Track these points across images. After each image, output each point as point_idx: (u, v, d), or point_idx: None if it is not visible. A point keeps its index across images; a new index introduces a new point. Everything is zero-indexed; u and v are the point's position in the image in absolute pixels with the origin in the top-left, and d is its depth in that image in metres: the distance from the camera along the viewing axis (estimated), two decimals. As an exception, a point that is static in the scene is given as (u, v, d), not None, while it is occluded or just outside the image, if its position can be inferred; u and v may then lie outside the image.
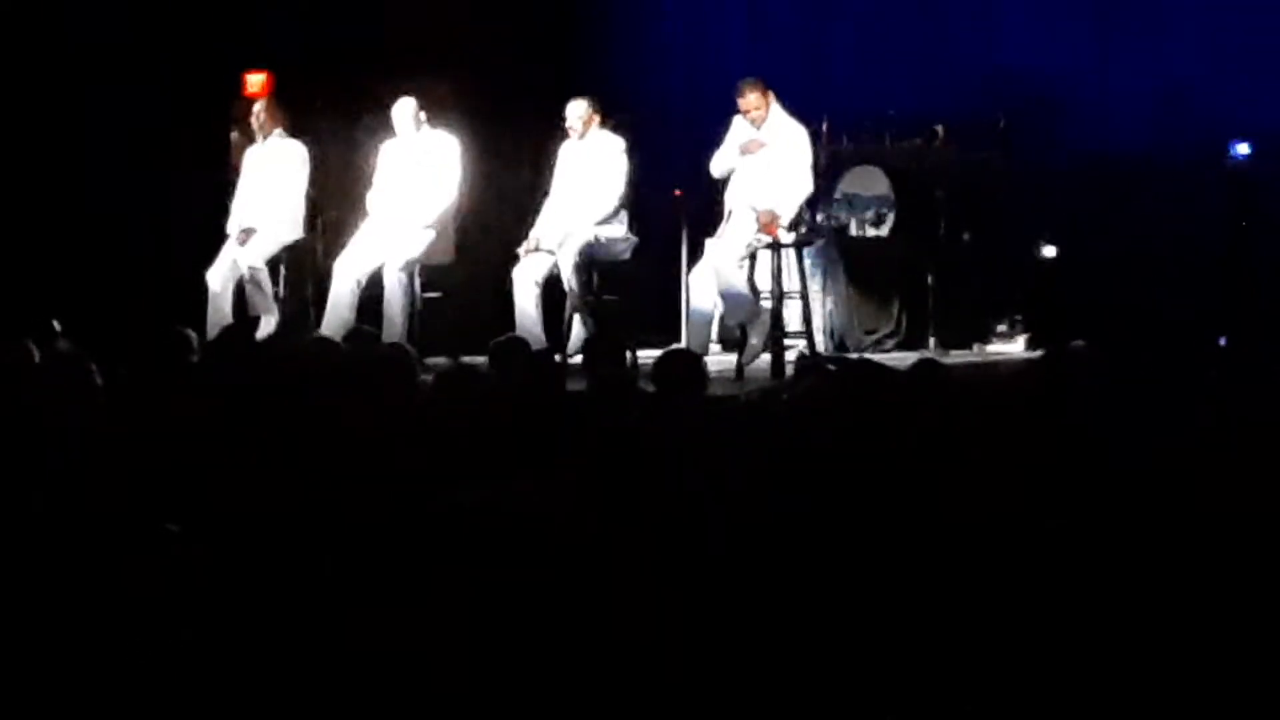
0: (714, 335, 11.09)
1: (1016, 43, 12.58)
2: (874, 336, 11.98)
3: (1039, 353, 9.10)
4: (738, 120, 10.71)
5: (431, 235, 10.98)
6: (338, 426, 6.20)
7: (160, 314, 9.85)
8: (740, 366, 10.37)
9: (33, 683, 4.25)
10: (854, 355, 10.34)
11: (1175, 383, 6.92)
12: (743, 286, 10.51)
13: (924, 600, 4.61)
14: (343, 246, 11.09)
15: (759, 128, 10.60)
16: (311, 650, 4.37)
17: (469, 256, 11.36)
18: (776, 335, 10.34)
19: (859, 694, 4.34)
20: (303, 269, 11.44)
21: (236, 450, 5.88)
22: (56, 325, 8.59)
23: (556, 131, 11.06)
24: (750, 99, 10.58)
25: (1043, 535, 4.81)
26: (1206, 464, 5.27)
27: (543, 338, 10.41)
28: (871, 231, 12.30)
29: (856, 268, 12.05)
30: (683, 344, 10.35)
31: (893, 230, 12.25)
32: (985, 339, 12.08)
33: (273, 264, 11.25)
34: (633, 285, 10.85)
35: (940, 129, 12.31)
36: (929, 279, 12.11)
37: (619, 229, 10.78)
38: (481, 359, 7.96)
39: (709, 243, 10.75)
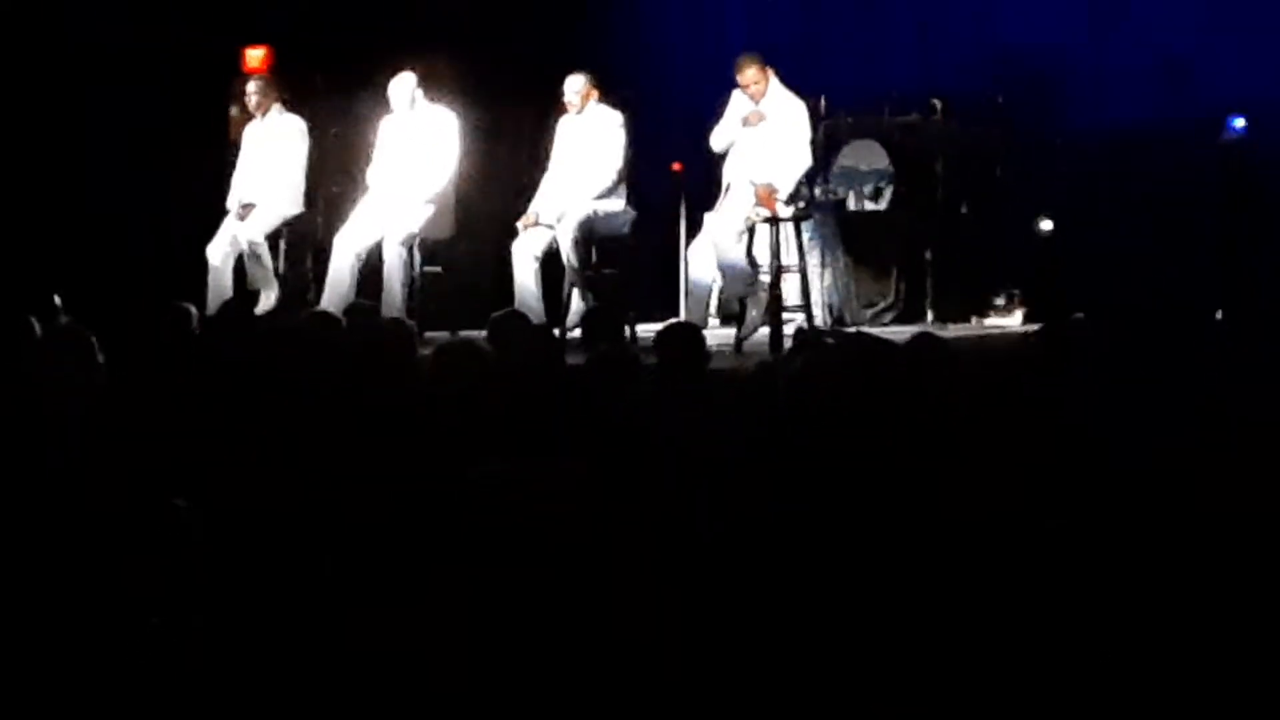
0: (713, 309, 11.10)
1: (1014, 18, 12.56)
2: (872, 310, 12.00)
3: (1036, 326, 9.11)
4: (737, 94, 10.72)
5: (430, 210, 10.99)
6: (338, 402, 6.22)
7: (160, 289, 9.86)
8: (739, 340, 10.39)
9: (34, 675, 4.26)
10: (852, 329, 10.35)
11: (1172, 359, 6.93)
12: (741, 260, 10.52)
13: (922, 590, 4.62)
14: (342, 221, 11.10)
15: (758, 103, 10.61)
16: (311, 650, 4.39)
17: (468, 231, 11.37)
18: (775, 309, 10.34)
19: (855, 688, 4.36)
20: (303, 244, 11.45)
21: (237, 427, 5.89)
22: (57, 300, 8.59)
23: (555, 106, 11.07)
24: (749, 74, 10.59)
25: (1041, 531, 4.83)
26: (1206, 464, 5.27)
27: (542, 312, 10.42)
28: (870, 206, 12.31)
29: (855, 242, 12.07)
30: (681, 318, 10.36)
31: (891, 204, 12.26)
32: (983, 313, 12.08)
33: (273, 239, 11.26)
34: (632, 259, 10.86)
35: (938, 103, 12.31)
36: (927, 253, 12.12)
37: (618, 203, 10.79)
38: (481, 333, 7.97)
39: (708, 217, 10.76)
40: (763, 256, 10.51)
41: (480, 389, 6.16)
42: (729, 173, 10.70)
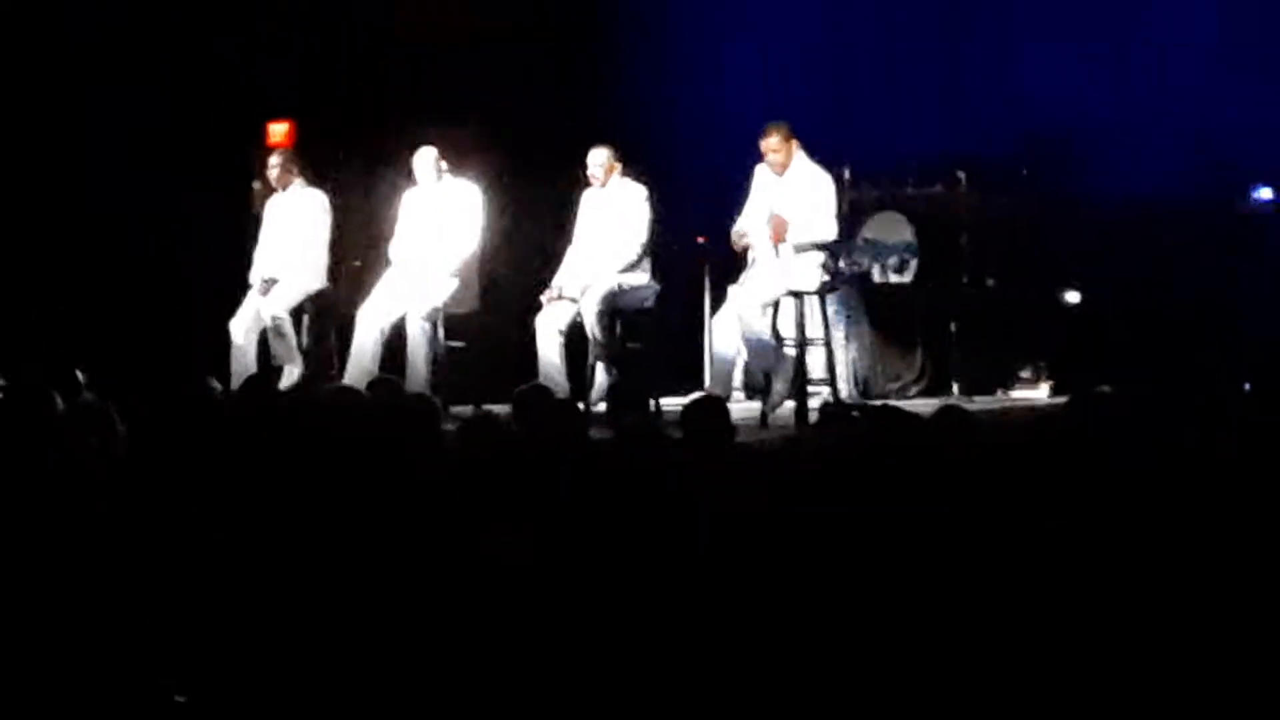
0: (737, 383, 11.06)
1: (1039, 86, 12.55)
2: (898, 383, 11.96)
3: (1063, 399, 9.05)
4: (760, 170, 10.71)
5: (454, 284, 10.99)
6: (362, 477, 6.19)
7: (183, 365, 9.86)
8: (764, 414, 10.35)
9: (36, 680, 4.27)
10: (878, 402, 10.30)
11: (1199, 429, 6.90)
12: (766, 333, 10.50)
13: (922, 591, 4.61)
14: (365, 296, 11.10)
15: (780, 173, 10.60)
16: (311, 650, 4.38)
17: (491, 305, 11.37)
18: (800, 382, 10.32)
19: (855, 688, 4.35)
20: (326, 318, 11.44)
21: (260, 504, 5.87)
22: (81, 376, 8.59)
23: (578, 179, 11.07)
24: (771, 141, 10.58)
25: (1045, 534, 4.82)
26: (1206, 464, 5.27)
27: (566, 386, 10.41)
28: (895, 278, 12.30)
29: (880, 314, 12.05)
30: (706, 391, 10.32)
31: (916, 276, 12.24)
32: (1009, 385, 12.04)
33: (296, 313, 11.27)
34: (656, 333, 10.84)
35: (962, 175, 12.31)
36: (952, 325, 12.09)
37: (642, 276, 10.78)
38: (505, 408, 7.94)
39: (732, 289, 10.74)
40: (787, 329, 10.48)
41: (505, 464, 6.14)
42: (753, 245, 10.68)
